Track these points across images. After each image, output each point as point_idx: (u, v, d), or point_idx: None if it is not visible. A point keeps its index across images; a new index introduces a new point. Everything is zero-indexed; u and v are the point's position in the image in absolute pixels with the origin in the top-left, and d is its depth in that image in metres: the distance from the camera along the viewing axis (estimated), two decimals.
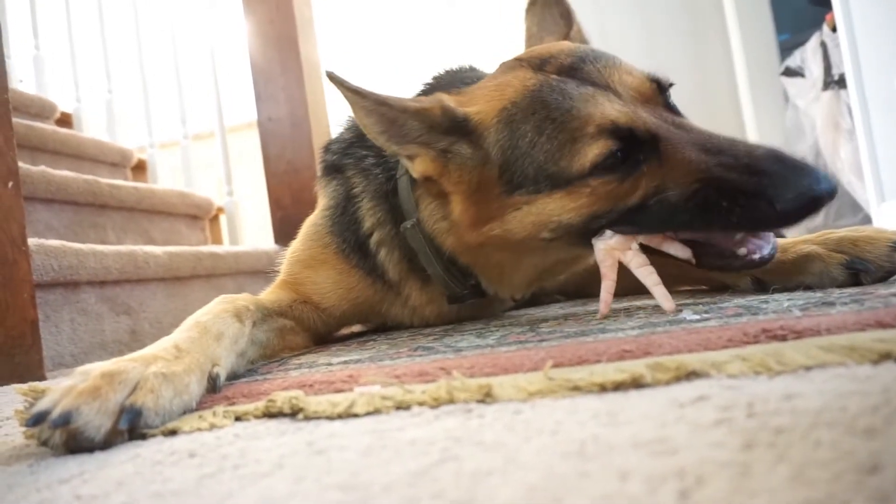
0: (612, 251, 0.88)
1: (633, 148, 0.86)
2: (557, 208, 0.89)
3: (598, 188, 0.87)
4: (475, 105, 0.96)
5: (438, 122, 0.95)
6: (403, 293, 1.14)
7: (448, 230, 1.02)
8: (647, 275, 0.86)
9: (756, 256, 0.83)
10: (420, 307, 1.15)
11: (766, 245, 0.83)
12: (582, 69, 0.92)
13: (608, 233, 0.88)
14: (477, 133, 0.94)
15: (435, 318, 1.17)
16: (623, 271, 1.16)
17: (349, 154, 1.18)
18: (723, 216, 0.79)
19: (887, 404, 0.38)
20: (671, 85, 0.95)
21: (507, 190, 0.92)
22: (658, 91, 0.92)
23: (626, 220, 0.87)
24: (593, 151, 0.85)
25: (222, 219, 3.23)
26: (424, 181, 1.01)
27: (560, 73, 0.92)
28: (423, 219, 1.05)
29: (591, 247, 0.94)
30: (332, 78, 0.93)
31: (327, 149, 1.24)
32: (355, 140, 1.19)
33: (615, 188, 0.86)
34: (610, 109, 0.87)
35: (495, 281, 1.08)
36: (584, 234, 0.90)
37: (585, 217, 0.89)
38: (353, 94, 0.93)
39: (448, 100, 0.96)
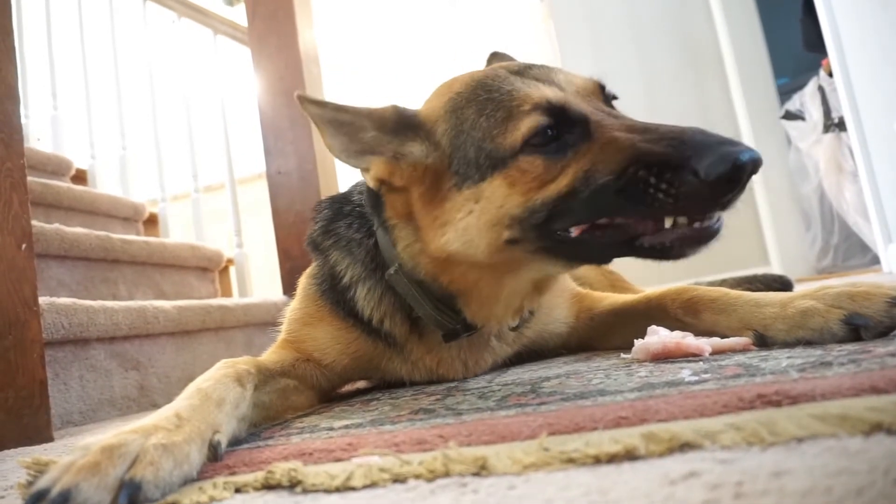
0: (655, 352, 0.97)
1: (565, 127, 0.89)
2: (501, 196, 0.91)
3: (529, 169, 0.89)
4: (427, 105, 1.03)
5: (388, 120, 1.00)
6: (405, 348, 1.15)
7: (422, 251, 1.03)
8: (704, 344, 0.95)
9: (715, 226, 0.81)
10: (420, 359, 1.15)
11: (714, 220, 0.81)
12: (529, 72, 0.98)
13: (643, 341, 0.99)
14: (426, 128, 0.99)
15: (437, 367, 1.15)
16: (611, 328, 1.24)
17: (329, 232, 1.20)
18: (653, 196, 0.78)
19: (872, 486, 0.38)
20: (615, 97, 1.01)
21: (457, 183, 0.95)
22: (599, 90, 0.98)
23: (563, 211, 0.87)
24: (526, 125, 0.89)
25: (232, 270, 3.26)
26: (388, 195, 1.04)
27: (508, 72, 0.99)
28: (400, 254, 1.06)
29: (559, 261, 0.96)
30: (301, 98, 0.98)
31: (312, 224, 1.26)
32: (333, 216, 1.22)
33: (544, 170, 0.88)
34: (547, 91, 0.92)
35: (479, 307, 1.05)
36: (534, 229, 0.90)
37: (525, 207, 0.89)
38: (315, 105, 0.98)
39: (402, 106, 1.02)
